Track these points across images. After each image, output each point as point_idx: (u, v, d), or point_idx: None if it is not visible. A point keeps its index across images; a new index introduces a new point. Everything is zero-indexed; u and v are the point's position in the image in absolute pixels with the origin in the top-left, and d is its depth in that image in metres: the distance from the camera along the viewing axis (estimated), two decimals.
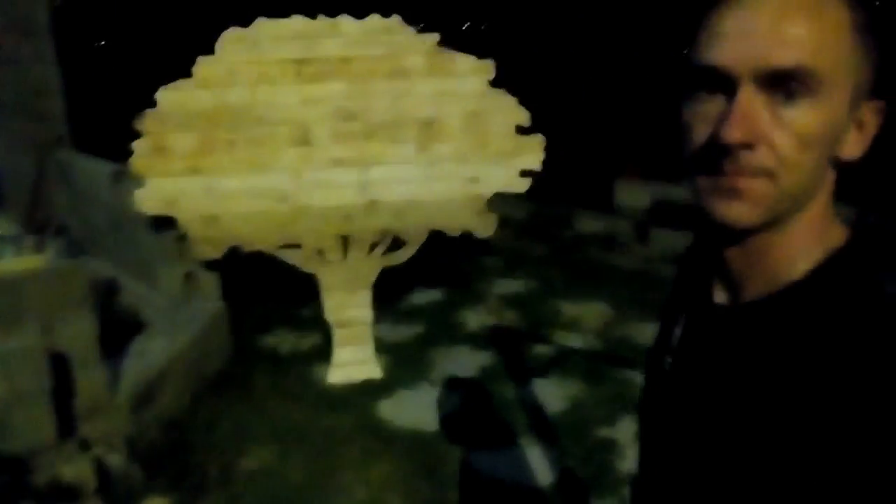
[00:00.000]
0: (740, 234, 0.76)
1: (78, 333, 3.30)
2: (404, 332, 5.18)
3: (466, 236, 4.42)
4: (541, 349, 4.86)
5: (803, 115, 0.69)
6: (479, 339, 5.05)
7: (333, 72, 4.15)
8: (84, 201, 5.79)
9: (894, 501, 0.62)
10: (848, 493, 0.64)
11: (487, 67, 4.24)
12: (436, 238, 4.40)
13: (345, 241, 4.32)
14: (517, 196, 4.51)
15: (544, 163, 4.33)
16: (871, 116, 0.74)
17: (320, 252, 4.30)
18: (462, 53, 4.23)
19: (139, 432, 3.54)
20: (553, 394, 4.23)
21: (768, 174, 0.71)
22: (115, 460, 3.26)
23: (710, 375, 0.80)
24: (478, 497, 3.35)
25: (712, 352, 0.81)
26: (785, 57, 0.68)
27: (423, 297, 5.86)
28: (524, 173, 4.32)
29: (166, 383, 3.91)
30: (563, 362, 4.64)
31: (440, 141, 4.25)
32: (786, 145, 0.70)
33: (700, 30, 0.74)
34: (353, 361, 4.48)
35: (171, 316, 4.56)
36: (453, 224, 4.35)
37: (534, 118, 4.28)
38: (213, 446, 3.71)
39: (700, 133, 0.74)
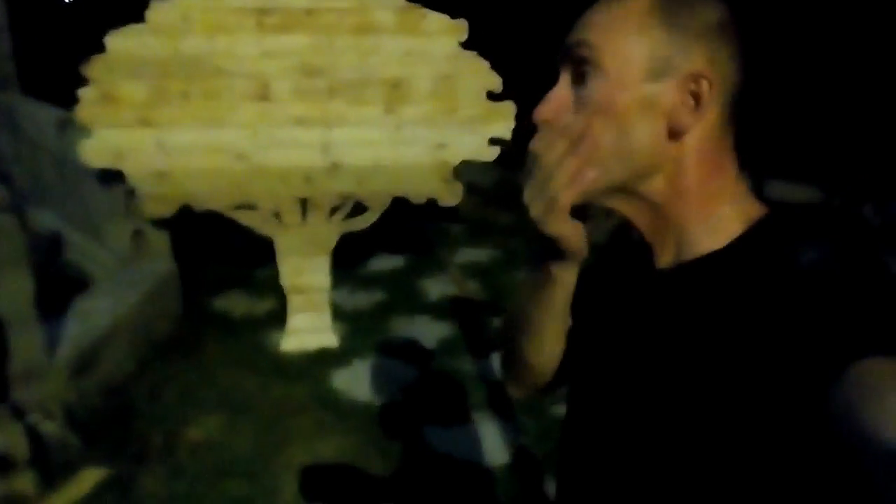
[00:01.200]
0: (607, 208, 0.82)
1: (13, 292, 3.09)
2: (363, 299, 5.04)
3: (431, 202, 4.26)
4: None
5: (592, 89, 0.76)
6: (440, 309, 4.93)
7: (297, 24, 3.91)
8: (29, 148, 5.48)
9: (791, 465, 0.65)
10: (750, 452, 0.67)
11: (460, 28, 4.04)
12: (399, 202, 4.24)
13: (304, 204, 4.13)
14: (485, 163, 4.35)
15: (514, 130, 4.17)
16: (704, 88, 0.75)
17: (277, 214, 4.11)
18: (434, 12, 4.02)
19: (78, 399, 3.35)
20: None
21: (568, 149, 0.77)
22: (51, 428, 3.08)
23: (629, 342, 0.84)
24: (430, 474, 3.25)
25: (631, 319, 0.85)
26: (573, 37, 0.78)
27: (384, 263, 5.71)
28: (494, 141, 4.16)
29: (110, 347, 3.72)
30: None
31: (408, 103, 4.07)
32: (578, 118, 0.77)
33: None
34: (308, 329, 4.32)
35: (117, 275, 4.34)
36: (418, 191, 4.19)
37: (505, 83, 4.11)
38: (157, 415, 3.55)
39: None
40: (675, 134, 0.76)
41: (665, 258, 0.82)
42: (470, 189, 4.66)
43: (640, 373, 0.81)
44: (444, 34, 4.03)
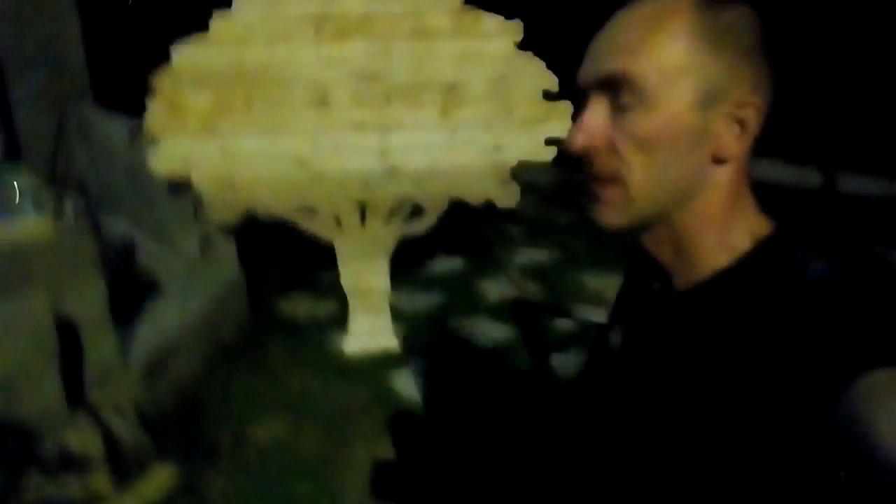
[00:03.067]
0: (634, 232, 0.81)
1: (88, 299, 3.23)
2: (422, 301, 5.07)
3: (489, 204, 4.27)
4: (562, 323, 4.73)
5: (637, 121, 0.74)
6: (499, 311, 4.93)
7: (353, 30, 3.97)
8: (103, 158, 5.71)
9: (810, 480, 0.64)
10: (772, 474, 0.66)
11: (515, 28, 4.03)
12: (457, 204, 4.25)
13: (362, 208, 4.19)
14: (542, 163, 4.32)
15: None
16: (750, 113, 0.74)
17: (337, 219, 4.18)
18: (489, 13, 4.02)
19: (150, 400, 3.48)
20: (573, 370, 4.11)
21: (616, 180, 0.77)
22: (124, 429, 3.21)
23: (646, 362, 0.84)
24: (489, 477, 3.26)
25: (648, 339, 0.85)
26: (611, 64, 0.74)
27: (443, 265, 5.73)
28: (550, 141, 4.14)
29: (180, 350, 3.85)
30: (584, 337, 4.52)
31: (463, 106, 4.08)
32: (625, 150, 0.75)
33: None
34: (369, 331, 4.38)
35: (186, 280, 4.48)
36: (475, 193, 4.20)
37: (562, 83, 4.08)
38: (225, 416, 3.65)
39: None
40: (718, 161, 0.76)
41: (679, 277, 0.82)
42: (528, 189, 4.64)
43: (656, 393, 0.81)
44: (499, 36, 4.02)
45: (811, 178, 6.05)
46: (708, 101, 0.73)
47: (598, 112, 0.77)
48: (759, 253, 0.76)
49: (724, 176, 0.77)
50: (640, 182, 0.75)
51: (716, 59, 0.73)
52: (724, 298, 0.76)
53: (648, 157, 0.74)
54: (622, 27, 0.76)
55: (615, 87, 0.75)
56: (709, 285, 0.78)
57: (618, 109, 0.75)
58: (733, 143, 0.75)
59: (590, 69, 0.78)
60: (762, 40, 0.74)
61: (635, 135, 0.74)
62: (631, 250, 0.96)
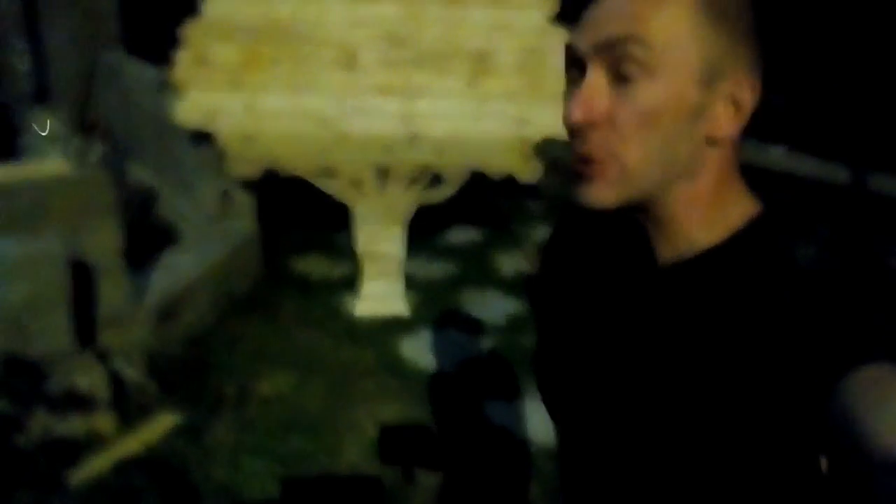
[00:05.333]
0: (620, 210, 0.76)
1: (103, 242, 3.27)
2: (436, 270, 5.07)
3: (510, 178, 4.24)
4: None
5: (641, 93, 0.70)
6: (512, 285, 4.92)
7: None
8: (130, 106, 5.74)
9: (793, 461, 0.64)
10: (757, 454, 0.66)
11: (549, 1, 3.97)
12: (478, 175, 4.23)
13: (383, 174, 4.18)
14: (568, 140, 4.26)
15: None
16: (746, 94, 0.72)
17: (357, 182, 4.18)
18: None
19: (159, 347, 3.53)
20: None
21: (612, 154, 0.72)
22: (132, 373, 3.26)
23: (625, 337, 0.82)
24: (486, 446, 3.28)
25: (628, 313, 0.82)
26: (615, 28, 0.69)
27: (459, 235, 5.72)
28: None
29: (192, 300, 3.89)
30: None
31: (491, 76, 4.04)
32: (625, 123, 0.70)
33: None
34: (380, 296, 4.40)
35: (204, 232, 4.52)
36: (496, 166, 4.17)
37: None
38: (231, 368, 3.69)
39: None
40: (711, 141, 0.73)
41: (663, 253, 0.79)
42: (551, 166, 4.60)
43: (638, 372, 0.79)
44: (532, 7, 3.97)
45: (840, 174, 5.95)
46: (710, 77, 0.70)
47: (598, 82, 0.71)
48: (749, 234, 0.75)
49: (716, 157, 0.74)
50: (636, 160, 0.71)
51: (718, 36, 0.70)
52: (710, 279, 0.74)
53: (648, 134, 0.70)
54: None
55: (618, 55, 0.69)
56: (695, 263, 0.76)
57: (619, 80, 0.70)
58: (728, 123, 0.72)
59: (588, 34, 0.72)
60: (756, 23, 0.73)
61: (639, 107, 0.69)
62: (603, 225, 0.92)
